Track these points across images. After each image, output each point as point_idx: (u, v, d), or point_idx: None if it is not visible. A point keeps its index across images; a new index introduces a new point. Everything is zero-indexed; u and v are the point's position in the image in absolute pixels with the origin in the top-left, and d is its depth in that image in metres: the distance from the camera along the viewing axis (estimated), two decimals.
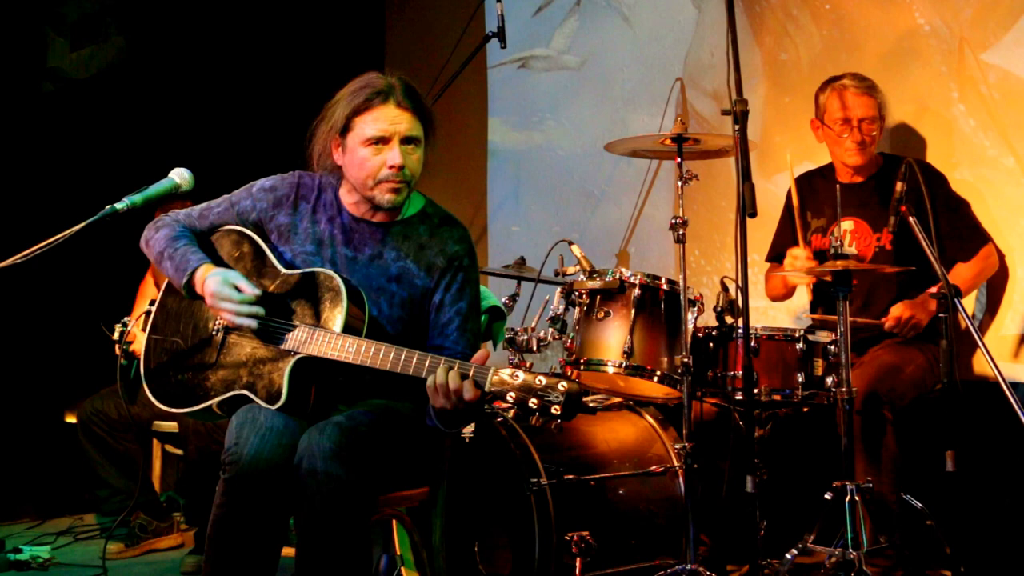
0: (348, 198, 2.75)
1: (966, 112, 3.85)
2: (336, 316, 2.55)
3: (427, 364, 2.43)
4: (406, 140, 2.63)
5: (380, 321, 2.66)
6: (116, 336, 3.70)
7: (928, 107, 3.95)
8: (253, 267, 2.72)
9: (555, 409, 2.28)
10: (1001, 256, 3.73)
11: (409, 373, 2.44)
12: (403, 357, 2.45)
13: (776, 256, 3.92)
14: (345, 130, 2.65)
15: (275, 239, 2.76)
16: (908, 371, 3.42)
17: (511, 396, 2.31)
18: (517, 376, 2.32)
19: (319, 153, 2.71)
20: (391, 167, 2.62)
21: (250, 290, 2.59)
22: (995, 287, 3.76)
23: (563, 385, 2.28)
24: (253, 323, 2.59)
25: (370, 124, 2.61)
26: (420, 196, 2.82)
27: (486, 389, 2.35)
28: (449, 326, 2.69)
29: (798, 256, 3.58)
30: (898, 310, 3.46)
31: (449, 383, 2.37)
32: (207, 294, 2.61)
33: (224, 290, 2.58)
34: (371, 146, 2.62)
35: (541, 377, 2.30)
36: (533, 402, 2.29)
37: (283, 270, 2.69)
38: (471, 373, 2.37)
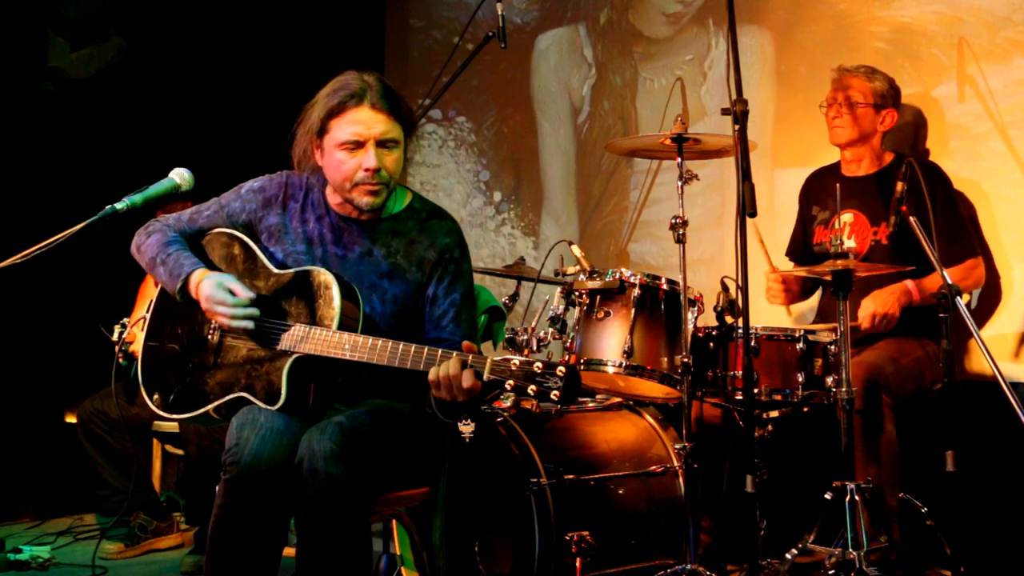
0: (334, 198, 2.74)
1: (966, 112, 3.85)
2: (331, 313, 2.55)
3: (424, 356, 2.43)
4: (382, 143, 2.61)
5: (374, 319, 2.66)
6: (115, 337, 3.70)
7: (928, 107, 3.96)
8: (245, 268, 2.72)
9: (554, 394, 2.28)
10: (997, 276, 3.73)
11: (407, 366, 2.44)
12: (400, 350, 2.45)
13: (790, 252, 3.94)
14: (322, 132, 2.63)
15: (265, 239, 2.75)
16: (906, 362, 3.43)
17: (509, 383, 2.31)
18: (514, 363, 2.32)
19: (300, 155, 2.71)
20: (366, 170, 2.60)
21: (244, 293, 2.58)
22: (994, 287, 3.76)
23: (561, 370, 2.28)
24: (249, 324, 2.58)
25: (344, 128, 2.59)
26: (406, 191, 2.80)
27: (484, 378, 2.35)
28: (444, 318, 2.69)
29: (769, 278, 3.67)
30: (868, 307, 3.46)
31: (450, 371, 2.37)
32: (202, 298, 2.60)
33: (218, 294, 2.58)
34: (346, 149, 2.60)
35: (538, 363, 2.30)
36: (532, 388, 2.29)
37: (275, 270, 2.68)
38: (469, 361, 2.37)
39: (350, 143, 2.60)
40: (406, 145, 2.68)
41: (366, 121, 2.59)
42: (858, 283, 3.52)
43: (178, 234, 2.78)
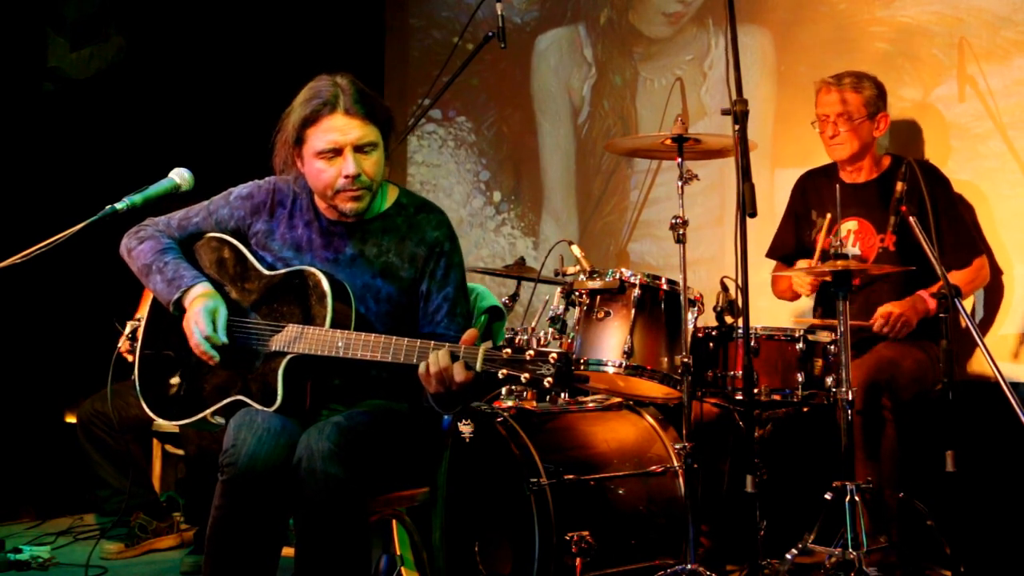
0: (321, 203, 2.73)
1: (966, 112, 3.85)
2: (323, 312, 2.55)
3: (417, 349, 2.43)
4: (359, 147, 2.59)
5: (369, 318, 2.66)
6: (126, 334, 3.67)
7: (928, 107, 3.96)
8: (236, 272, 2.71)
9: (547, 381, 2.28)
10: (999, 272, 3.73)
11: (400, 360, 2.44)
12: (393, 345, 2.45)
13: (775, 252, 3.92)
14: (299, 141, 2.63)
15: (254, 245, 2.75)
16: (907, 365, 3.43)
17: (502, 373, 2.31)
18: (507, 351, 2.32)
19: (280, 165, 2.70)
20: (346, 177, 2.59)
21: (222, 335, 2.59)
22: (995, 287, 3.76)
23: (553, 356, 2.28)
24: (208, 359, 2.59)
25: (320, 136, 2.58)
26: (393, 186, 2.79)
27: (477, 369, 2.35)
28: (438, 313, 2.69)
29: (802, 269, 3.59)
30: (887, 309, 3.46)
31: (440, 363, 2.37)
32: (192, 310, 2.61)
33: (205, 319, 2.58)
34: (324, 158, 2.59)
35: (530, 351, 2.30)
36: (525, 376, 2.29)
37: (266, 272, 2.68)
38: (460, 354, 2.37)
39: (327, 151, 2.59)
40: (386, 145, 2.66)
41: (341, 128, 2.57)
42: (864, 290, 3.53)
43: (172, 240, 2.77)
